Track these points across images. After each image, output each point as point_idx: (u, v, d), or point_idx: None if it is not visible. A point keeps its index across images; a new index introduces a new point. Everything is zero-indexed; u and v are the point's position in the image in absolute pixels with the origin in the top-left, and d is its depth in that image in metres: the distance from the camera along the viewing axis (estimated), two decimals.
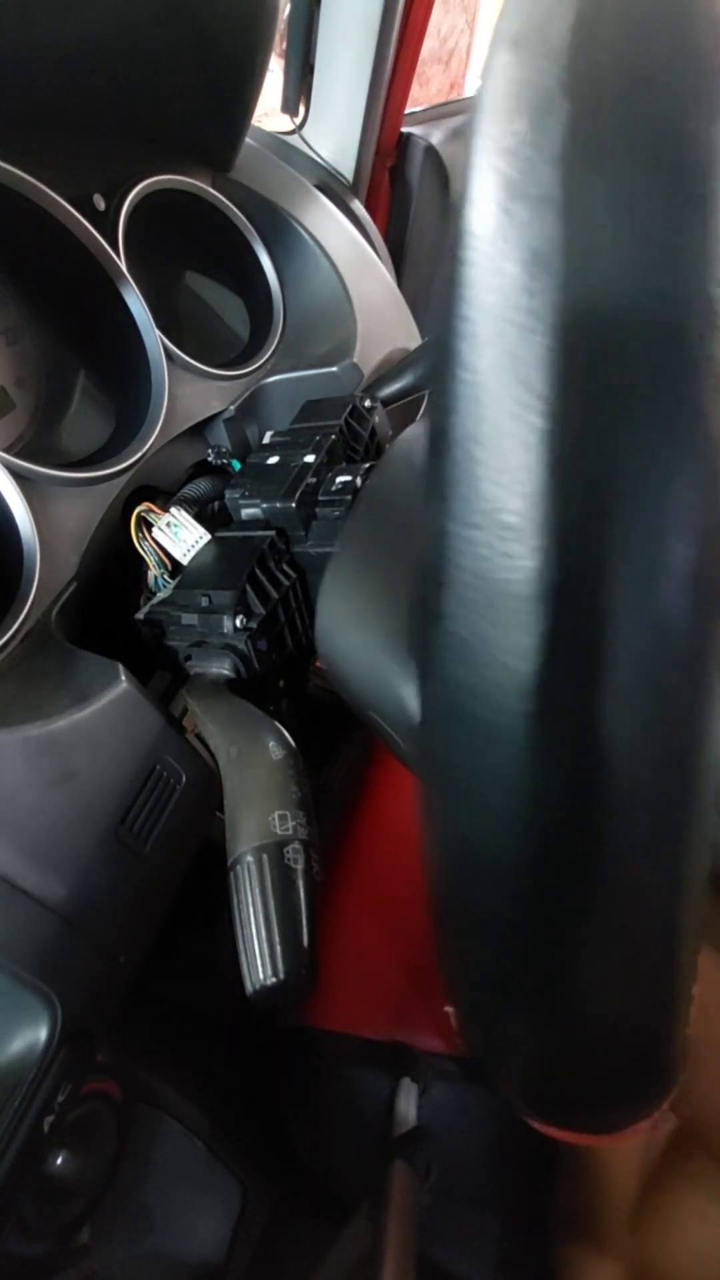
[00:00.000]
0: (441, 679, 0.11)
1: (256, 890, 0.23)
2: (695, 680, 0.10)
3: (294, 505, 0.35)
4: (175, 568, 0.38)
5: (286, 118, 0.74)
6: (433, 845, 0.13)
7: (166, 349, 0.41)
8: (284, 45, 0.69)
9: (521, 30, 0.10)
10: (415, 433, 0.36)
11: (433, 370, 0.12)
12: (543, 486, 0.09)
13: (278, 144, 0.72)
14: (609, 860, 0.10)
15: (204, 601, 0.34)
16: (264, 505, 0.36)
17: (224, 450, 0.46)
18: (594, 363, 0.09)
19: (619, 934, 0.11)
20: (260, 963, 0.22)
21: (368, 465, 0.37)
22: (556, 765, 0.10)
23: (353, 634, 0.28)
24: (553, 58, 0.10)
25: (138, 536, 0.38)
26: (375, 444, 0.43)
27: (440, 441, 0.11)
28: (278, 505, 0.35)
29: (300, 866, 0.23)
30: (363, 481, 0.36)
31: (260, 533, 0.36)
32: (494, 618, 0.10)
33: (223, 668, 0.34)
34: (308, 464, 0.37)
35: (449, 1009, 0.16)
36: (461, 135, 0.85)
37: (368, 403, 0.43)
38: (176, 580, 0.37)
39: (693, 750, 0.10)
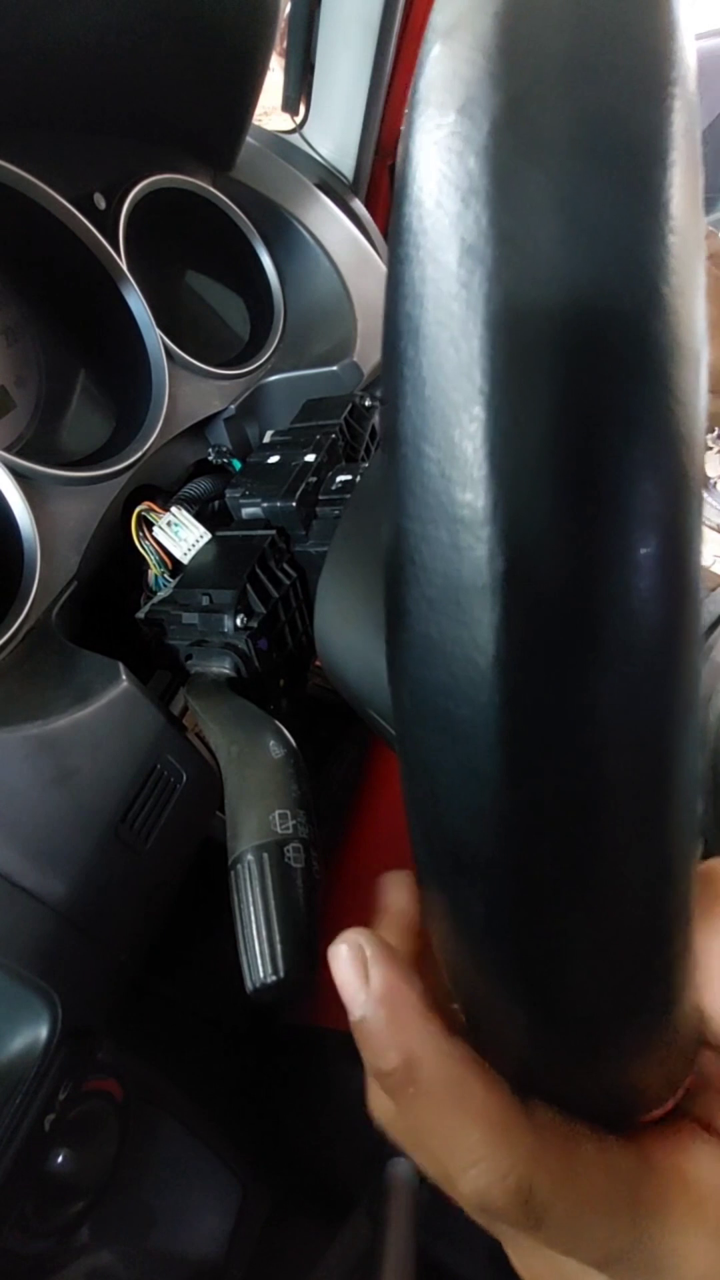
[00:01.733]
0: (410, 676, 0.11)
1: (257, 888, 0.23)
2: (662, 665, 0.10)
3: (294, 504, 0.35)
4: (176, 567, 0.38)
5: (286, 117, 0.74)
6: (415, 841, 0.13)
7: (167, 348, 0.41)
8: (284, 44, 0.69)
9: (452, 22, 0.10)
10: None
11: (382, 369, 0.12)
12: (487, 477, 0.09)
13: (278, 143, 0.72)
14: (589, 851, 0.10)
15: (205, 600, 0.34)
16: (264, 504, 0.36)
17: (224, 449, 0.46)
18: (531, 351, 0.09)
19: (605, 927, 0.11)
20: (260, 960, 0.22)
21: (368, 464, 0.37)
22: (527, 757, 0.10)
23: (348, 632, 0.28)
24: (479, 48, 0.09)
25: (138, 535, 0.38)
26: (375, 443, 0.43)
27: (390, 438, 0.11)
28: (278, 504, 0.35)
29: (301, 865, 0.23)
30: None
31: (261, 532, 0.36)
32: (452, 611, 0.10)
33: (223, 667, 0.34)
34: (308, 463, 0.37)
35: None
36: None
37: (368, 402, 0.43)
38: (177, 579, 0.37)
39: (668, 737, 0.10)
